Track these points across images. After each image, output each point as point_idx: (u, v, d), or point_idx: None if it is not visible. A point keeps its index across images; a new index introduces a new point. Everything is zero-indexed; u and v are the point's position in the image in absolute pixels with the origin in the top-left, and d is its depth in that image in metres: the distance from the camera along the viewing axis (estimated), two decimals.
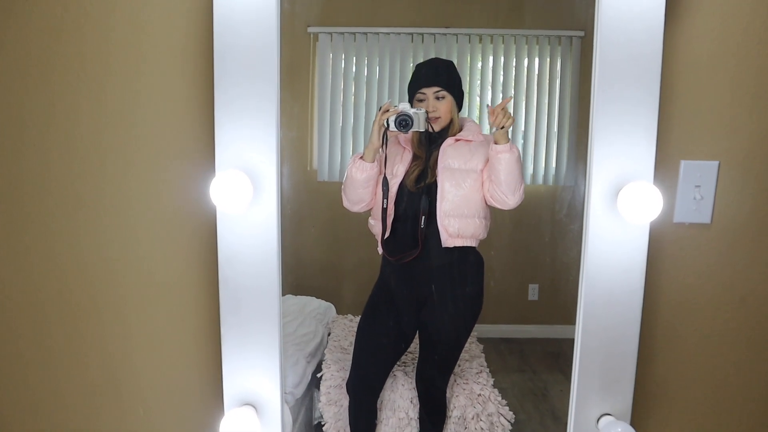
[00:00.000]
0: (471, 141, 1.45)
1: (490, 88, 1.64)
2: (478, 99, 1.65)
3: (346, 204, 1.49)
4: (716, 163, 1.15)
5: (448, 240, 1.41)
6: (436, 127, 1.43)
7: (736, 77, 1.13)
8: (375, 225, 1.50)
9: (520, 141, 1.74)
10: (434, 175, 1.43)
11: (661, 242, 1.17)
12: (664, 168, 1.15)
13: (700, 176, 1.15)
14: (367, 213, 1.51)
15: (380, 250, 1.54)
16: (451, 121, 1.44)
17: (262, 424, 1.11)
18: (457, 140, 1.45)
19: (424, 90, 1.42)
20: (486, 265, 1.57)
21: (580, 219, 1.12)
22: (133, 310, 1.26)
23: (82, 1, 1.15)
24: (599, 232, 1.06)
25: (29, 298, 1.29)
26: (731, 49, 1.12)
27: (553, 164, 1.80)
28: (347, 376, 1.76)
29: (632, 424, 1.09)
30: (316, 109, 1.91)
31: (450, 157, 1.43)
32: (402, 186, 1.45)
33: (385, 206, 1.45)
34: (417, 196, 1.44)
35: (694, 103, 1.13)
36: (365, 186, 1.44)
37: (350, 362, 1.79)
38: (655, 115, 1.03)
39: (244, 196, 0.98)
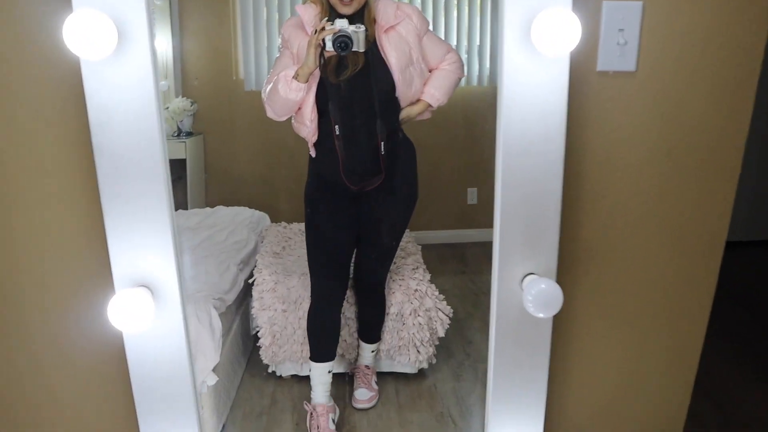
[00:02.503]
0: (396, 27, 1.37)
1: None
2: None
3: (271, 115, 1.42)
4: (640, 3, 1.07)
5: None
6: (349, 10, 1.32)
7: None
8: (302, 129, 1.43)
9: (454, 43, 1.71)
10: (360, 63, 1.35)
11: (585, 94, 1.10)
12: (586, 10, 1.07)
13: (623, 19, 1.07)
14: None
15: (312, 153, 1.49)
16: (366, 3, 1.34)
17: (158, 304, 1.02)
18: (386, 30, 1.36)
19: None
20: (425, 171, 1.54)
21: None
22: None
23: None
24: (514, 69, 0.97)
25: None
26: None
27: (487, 64, 1.75)
28: (279, 280, 1.70)
29: (558, 283, 1.02)
30: (239, 18, 1.82)
31: (389, 54, 1.35)
32: (322, 82, 1.35)
33: (337, 133, 1.38)
34: (342, 90, 1.38)
35: None
36: (298, 103, 1.38)
37: (282, 267, 1.74)
38: None
39: (105, 41, 0.86)
